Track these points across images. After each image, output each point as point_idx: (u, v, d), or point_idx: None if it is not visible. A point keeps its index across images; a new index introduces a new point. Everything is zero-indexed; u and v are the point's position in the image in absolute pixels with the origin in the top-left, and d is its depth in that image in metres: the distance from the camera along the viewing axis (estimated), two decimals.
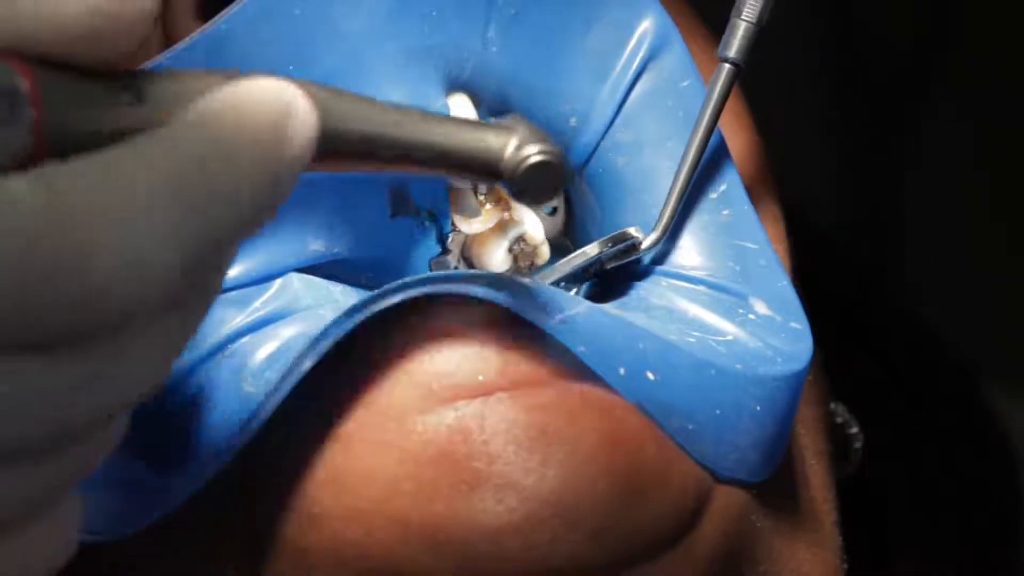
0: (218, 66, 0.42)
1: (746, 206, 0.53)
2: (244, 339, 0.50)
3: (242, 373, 0.49)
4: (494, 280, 0.48)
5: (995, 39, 1.04)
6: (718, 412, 0.50)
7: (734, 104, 0.57)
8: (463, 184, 0.53)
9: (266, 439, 0.48)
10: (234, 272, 0.50)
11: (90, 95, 0.39)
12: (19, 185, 0.36)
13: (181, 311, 0.40)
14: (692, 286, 0.52)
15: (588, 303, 0.49)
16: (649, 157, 0.53)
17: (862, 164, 1.10)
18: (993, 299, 1.05)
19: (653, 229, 0.52)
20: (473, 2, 0.52)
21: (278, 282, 0.51)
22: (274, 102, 0.39)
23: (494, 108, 0.53)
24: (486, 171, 0.45)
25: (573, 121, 0.53)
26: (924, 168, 1.08)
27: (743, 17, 0.53)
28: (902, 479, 0.78)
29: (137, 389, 0.40)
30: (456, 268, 0.54)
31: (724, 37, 0.53)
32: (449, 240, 0.54)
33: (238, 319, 0.50)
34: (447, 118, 0.45)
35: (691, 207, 0.53)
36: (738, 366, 0.50)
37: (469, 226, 0.53)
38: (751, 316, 0.52)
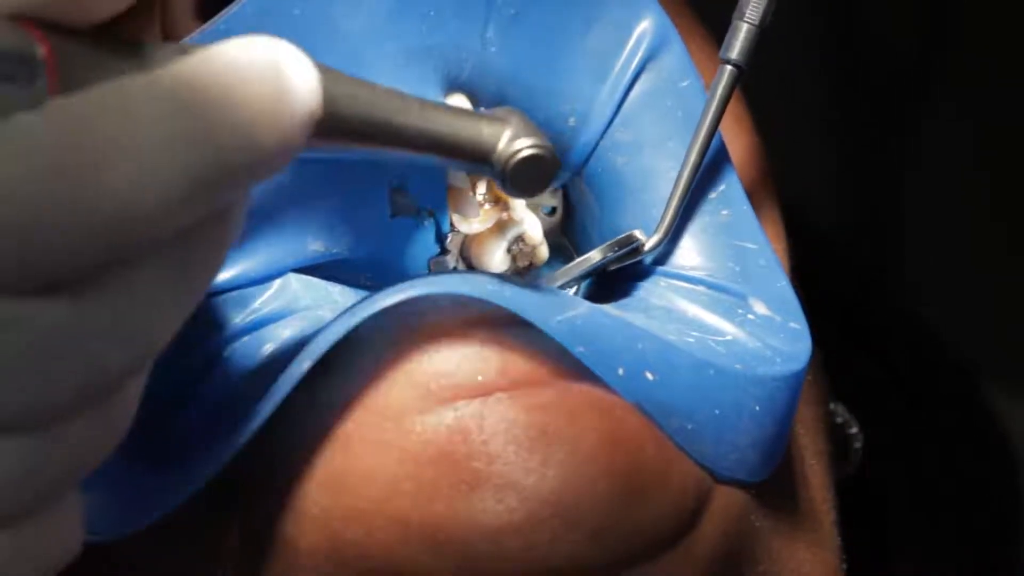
0: None
1: (745, 206, 0.53)
2: (243, 339, 0.50)
3: (241, 373, 0.49)
4: (493, 280, 0.49)
5: (995, 39, 1.04)
6: (717, 412, 0.50)
7: (735, 105, 0.57)
8: (457, 177, 0.53)
9: (266, 439, 0.48)
10: (234, 272, 0.50)
11: (102, 63, 0.40)
12: (29, 117, 0.37)
13: (192, 249, 0.40)
14: (691, 286, 0.52)
15: (587, 303, 0.49)
16: (648, 157, 0.53)
17: (862, 164, 1.10)
18: (993, 299, 1.05)
19: (655, 231, 0.52)
20: (472, 2, 0.52)
21: (277, 282, 0.51)
22: (275, 51, 0.41)
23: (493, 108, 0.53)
24: (478, 160, 0.45)
25: (572, 121, 0.53)
26: (924, 168, 1.08)
27: (745, 19, 0.53)
28: (902, 479, 0.78)
29: (157, 335, 0.40)
30: (455, 268, 0.54)
31: (726, 39, 0.53)
32: (448, 240, 0.54)
33: (237, 319, 0.50)
34: (443, 106, 0.46)
35: (691, 208, 0.53)
36: (737, 366, 0.50)
37: (468, 226, 0.53)
38: (750, 316, 0.52)
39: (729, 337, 0.51)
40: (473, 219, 0.53)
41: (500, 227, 0.53)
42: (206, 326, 0.50)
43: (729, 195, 0.53)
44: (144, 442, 0.48)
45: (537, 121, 0.52)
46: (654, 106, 0.53)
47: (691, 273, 0.53)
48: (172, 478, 0.49)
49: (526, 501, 0.47)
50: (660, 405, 0.49)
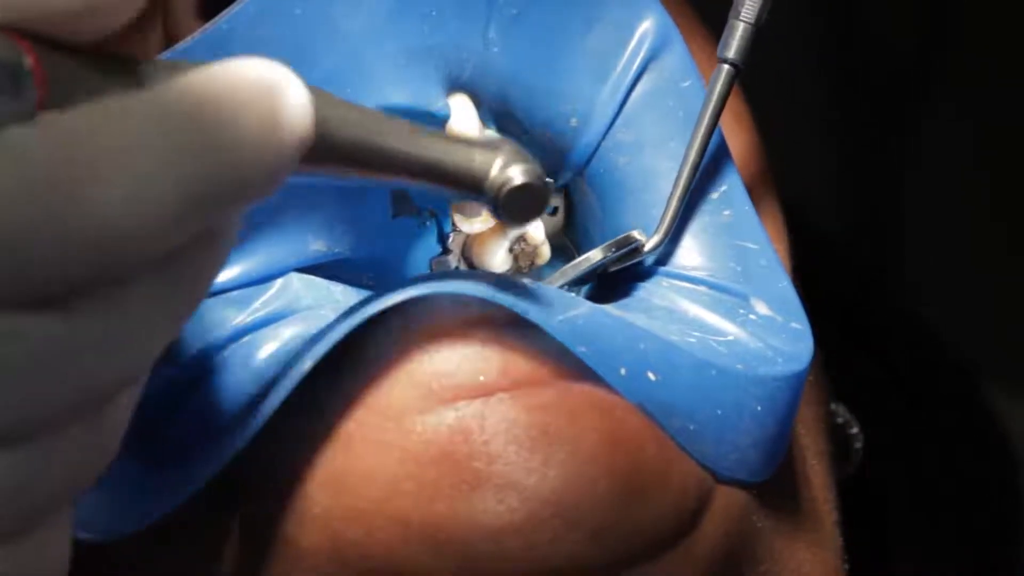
0: None
1: (747, 206, 0.53)
2: (244, 339, 0.50)
3: (242, 373, 0.49)
4: (495, 280, 0.48)
5: (995, 39, 1.04)
6: (719, 412, 0.50)
7: (734, 104, 0.57)
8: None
9: (266, 439, 0.48)
10: (234, 272, 0.50)
11: (92, 78, 0.40)
12: (22, 130, 0.37)
13: (184, 265, 0.40)
14: (693, 286, 0.52)
15: (589, 304, 0.49)
16: (650, 157, 0.53)
17: (862, 164, 1.10)
18: (993, 299, 1.05)
19: (655, 231, 0.52)
20: (474, 2, 0.52)
21: (279, 282, 0.51)
22: (269, 73, 0.40)
23: (494, 108, 0.53)
24: (470, 188, 0.45)
25: (574, 121, 0.53)
26: (924, 168, 1.08)
27: (741, 18, 0.53)
28: (902, 479, 0.78)
29: (149, 349, 0.40)
30: (457, 268, 0.54)
31: (722, 38, 0.53)
32: (450, 240, 0.54)
33: (238, 319, 0.50)
34: (436, 132, 0.45)
35: (692, 208, 0.53)
36: (739, 366, 0.50)
37: (470, 226, 0.53)
38: (752, 316, 0.52)
39: (731, 337, 0.51)
40: (475, 219, 0.53)
41: (502, 227, 0.53)
42: (208, 325, 0.50)
43: (731, 195, 0.53)
44: (144, 442, 0.48)
45: (539, 121, 0.52)
46: (656, 106, 0.53)
47: (693, 273, 0.53)
48: (172, 478, 0.49)
49: (527, 501, 0.47)
50: (662, 405, 0.49)
